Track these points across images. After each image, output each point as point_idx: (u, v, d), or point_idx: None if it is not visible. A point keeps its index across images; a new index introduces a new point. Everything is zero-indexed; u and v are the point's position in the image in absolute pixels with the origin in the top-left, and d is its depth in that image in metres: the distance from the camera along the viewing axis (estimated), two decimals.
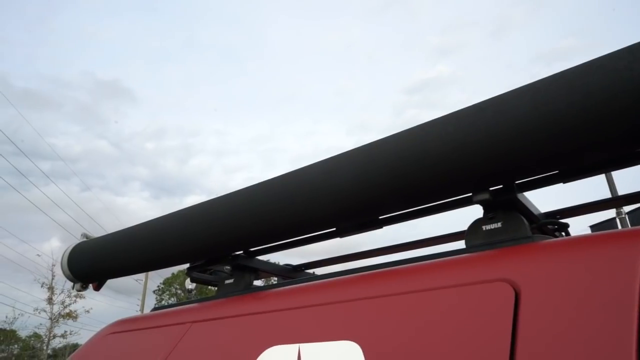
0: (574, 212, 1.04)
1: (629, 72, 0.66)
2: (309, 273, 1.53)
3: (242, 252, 1.30)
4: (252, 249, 1.31)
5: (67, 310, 23.05)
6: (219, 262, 1.33)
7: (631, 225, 5.58)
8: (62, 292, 22.44)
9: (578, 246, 0.70)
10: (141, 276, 22.32)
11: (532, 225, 0.86)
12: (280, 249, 1.30)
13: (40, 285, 22.34)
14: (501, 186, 0.87)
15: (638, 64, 0.65)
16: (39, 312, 22.58)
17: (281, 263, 1.50)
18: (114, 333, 1.41)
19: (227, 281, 1.31)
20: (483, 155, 0.78)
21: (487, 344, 0.62)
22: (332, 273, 1.07)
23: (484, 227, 0.87)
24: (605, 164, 0.87)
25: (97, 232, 1.72)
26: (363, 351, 0.74)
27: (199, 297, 1.44)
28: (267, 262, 1.39)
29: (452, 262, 0.83)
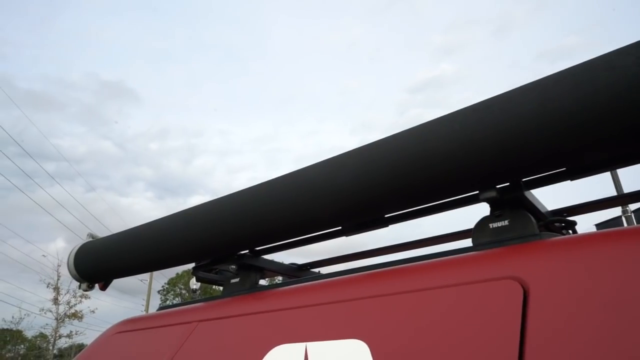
0: (581, 210, 1.04)
1: (637, 67, 0.65)
2: (314, 272, 1.53)
3: (247, 251, 1.30)
4: (257, 248, 1.31)
5: (72, 311, 23.18)
6: (224, 262, 1.33)
7: (637, 223, 5.55)
8: (67, 292, 22.58)
9: (586, 244, 0.70)
10: (146, 276, 22.42)
11: (539, 223, 0.85)
12: (286, 247, 1.31)
13: (46, 285, 22.49)
14: (508, 184, 0.86)
15: None
16: (45, 313, 22.72)
17: (286, 262, 1.50)
18: (120, 332, 1.41)
19: (233, 280, 1.31)
20: (490, 153, 0.78)
21: (495, 342, 0.62)
22: (338, 272, 1.07)
23: (490, 225, 0.87)
24: (613, 161, 0.86)
25: (102, 233, 1.73)
26: (371, 350, 0.74)
27: (203, 297, 1.44)
28: (272, 261, 1.39)
29: (460, 260, 0.82)
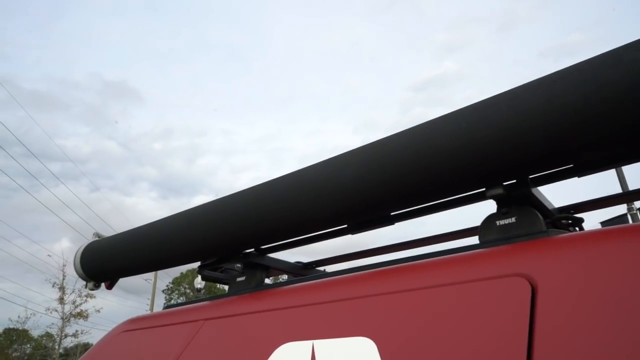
0: (587, 207, 1.03)
1: None
2: (319, 270, 1.53)
3: (253, 249, 1.30)
4: (263, 247, 1.31)
5: (78, 310, 23.32)
6: (230, 260, 1.33)
7: None
8: (73, 292, 22.73)
9: (595, 240, 0.69)
10: (150, 276, 22.49)
11: (546, 220, 0.85)
12: (292, 246, 1.30)
13: (51, 285, 22.64)
14: (514, 181, 0.86)
15: None
16: (51, 312, 22.89)
17: (291, 261, 1.50)
18: (127, 331, 1.42)
19: (239, 279, 1.31)
20: (496, 150, 0.78)
21: (504, 339, 0.61)
22: (344, 270, 1.06)
23: (497, 223, 0.87)
24: (621, 158, 0.85)
25: (106, 233, 1.74)
26: (378, 347, 0.74)
27: (209, 296, 1.44)
28: (278, 260, 1.39)
29: (467, 258, 0.82)
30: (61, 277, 22.47)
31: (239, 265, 1.32)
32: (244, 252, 1.29)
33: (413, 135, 0.89)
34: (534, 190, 0.87)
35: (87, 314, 23.77)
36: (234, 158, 71.91)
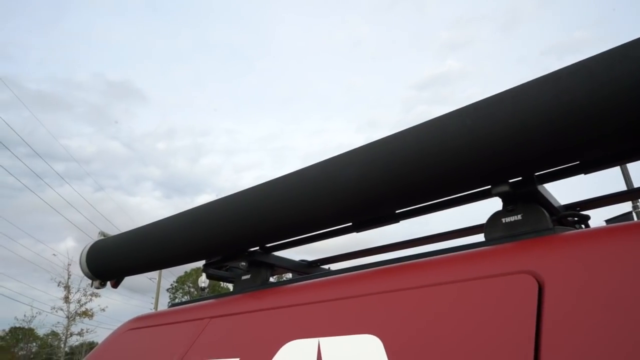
0: (593, 205, 1.03)
1: None
2: (324, 269, 1.53)
3: (258, 248, 1.30)
4: (268, 245, 1.32)
5: (83, 309, 23.43)
6: (235, 259, 1.33)
7: None
8: (78, 290, 22.82)
9: (602, 238, 0.69)
10: (155, 275, 22.57)
11: (552, 218, 0.85)
12: (297, 244, 1.31)
13: (56, 284, 22.75)
14: (520, 178, 0.86)
15: None
16: (56, 311, 23.00)
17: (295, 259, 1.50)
18: (133, 329, 1.42)
19: (244, 277, 1.31)
20: (502, 147, 0.77)
21: (511, 336, 0.61)
22: (350, 267, 1.06)
23: (503, 220, 0.86)
24: (628, 154, 0.85)
25: (111, 232, 1.75)
26: (384, 344, 0.74)
27: (214, 294, 1.45)
28: (283, 258, 1.39)
29: (474, 255, 0.82)
30: (66, 276, 22.60)
31: (244, 263, 1.32)
32: (249, 250, 1.29)
33: (418, 133, 0.89)
34: (540, 187, 0.87)
35: (92, 313, 23.89)
36: (237, 157, 72.06)
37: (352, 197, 0.96)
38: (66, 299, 22.72)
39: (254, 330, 1.01)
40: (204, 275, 1.48)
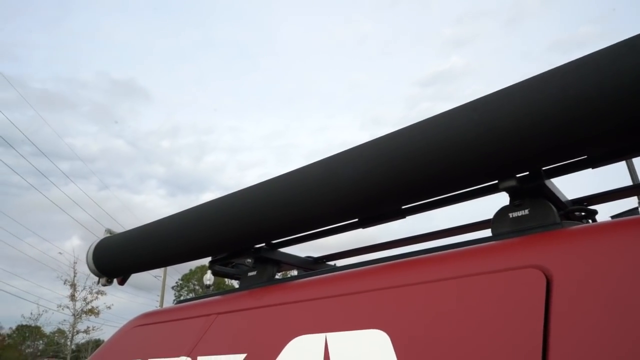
0: (600, 199, 1.02)
1: None
2: (330, 265, 1.53)
3: (264, 244, 1.31)
4: (274, 242, 1.32)
5: (89, 307, 23.55)
6: (241, 255, 1.34)
7: None
8: (84, 289, 22.95)
9: (609, 231, 0.69)
10: (160, 272, 22.66)
11: (559, 212, 0.84)
12: (302, 240, 1.31)
13: (62, 282, 22.88)
14: (528, 173, 0.85)
15: None
16: (62, 309, 23.13)
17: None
18: (141, 325, 1.43)
19: (250, 273, 1.32)
20: (510, 141, 0.77)
21: (519, 330, 0.61)
22: (357, 263, 1.06)
23: (510, 215, 0.86)
24: (636, 147, 0.84)
25: (116, 230, 1.75)
26: (391, 339, 0.74)
27: (220, 290, 1.45)
28: (289, 254, 1.40)
29: (481, 250, 0.82)
30: (72, 275, 22.72)
31: (249, 260, 1.33)
32: (254, 247, 1.30)
33: (424, 128, 0.89)
34: (547, 182, 0.86)
35: (98, 311, 24.03)
36: (241, 155, 72.18)
37: (359, 193, 0.96)
38: (72, 297, 22.86)
39: (261, 326, 1.01)
40: (209, 272, 1.50)
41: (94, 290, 22.94)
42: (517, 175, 0.84)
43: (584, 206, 0.98)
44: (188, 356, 1.10)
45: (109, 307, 24.89)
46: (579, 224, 0.79)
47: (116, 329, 1.59)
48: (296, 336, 0.89)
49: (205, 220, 1.25)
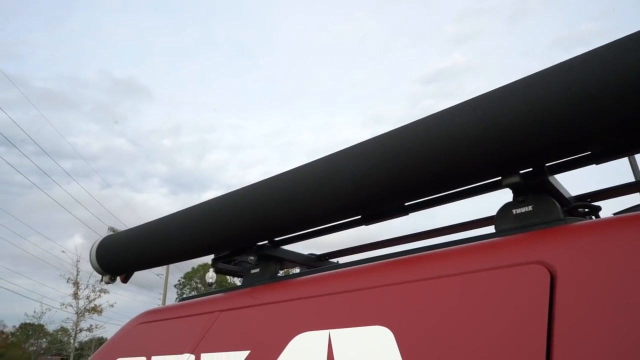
0: (604, 196, 1.02)
1: None
2: (333, 262, 1.53)
3: (267, 242, 1.31)
4: (277, 239, 1.32)
5: (92, 305, 23.64)
6: (244, 253, 1.34)
7: None
8: (87, 287, 23.02)
9: (613, 227, 0.68)
10: (162, 270, 22.71)
11: (563, 209, 0.84)
12: (306, 237, 1.31)
13: (65, 280, 22.96)
14: (531, 169, 0.85)
15: None
16: (65, 307, 23.23)
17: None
18: (144, 323, 1.44)
19: (253, 271, 1.32)
20: (513, 138, 0.77)
21: (523, 327, 0.61)
22: (359, 260, 1.06)
23: (514, 211, 0.86)
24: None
25: (119, 228, 1.76)
26: (395, 336, 0.74)
27: (223, 288, 1.45)
28: (291, 252, 1.40)
29: (485, 246, 0.81)
30: (75, 273, 22.80)
31: (252, 257, 1.33)
32: (257, 244, 1.30)
33: (427, 125, 0.89)
34: (550, 178, 0.86)
35: (101, 309, 24.12)
36: (243, 153, 72.24)
37: (361, 191, 0.96)
38: (75, 296, 22.94)
39: (264, 323, 1.02)
40: (211, 271, 1.50)
41: (97, 289, 23.03)
42: (521, 172, 0.84)
43: (587, 202, 0.98)
44: (191, 353, 1.10)
45: (112, 305, 24.99)
46: (583, 220, 0.79)
47: (119, 327, 1.59)
48: (299, 333, 0.89)
49: (208, 218, 1.25)
